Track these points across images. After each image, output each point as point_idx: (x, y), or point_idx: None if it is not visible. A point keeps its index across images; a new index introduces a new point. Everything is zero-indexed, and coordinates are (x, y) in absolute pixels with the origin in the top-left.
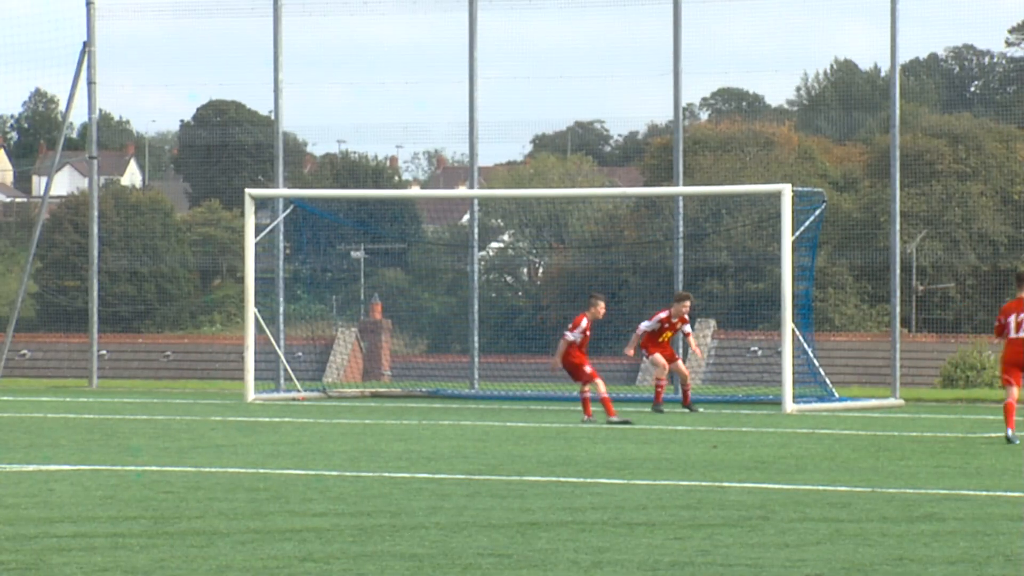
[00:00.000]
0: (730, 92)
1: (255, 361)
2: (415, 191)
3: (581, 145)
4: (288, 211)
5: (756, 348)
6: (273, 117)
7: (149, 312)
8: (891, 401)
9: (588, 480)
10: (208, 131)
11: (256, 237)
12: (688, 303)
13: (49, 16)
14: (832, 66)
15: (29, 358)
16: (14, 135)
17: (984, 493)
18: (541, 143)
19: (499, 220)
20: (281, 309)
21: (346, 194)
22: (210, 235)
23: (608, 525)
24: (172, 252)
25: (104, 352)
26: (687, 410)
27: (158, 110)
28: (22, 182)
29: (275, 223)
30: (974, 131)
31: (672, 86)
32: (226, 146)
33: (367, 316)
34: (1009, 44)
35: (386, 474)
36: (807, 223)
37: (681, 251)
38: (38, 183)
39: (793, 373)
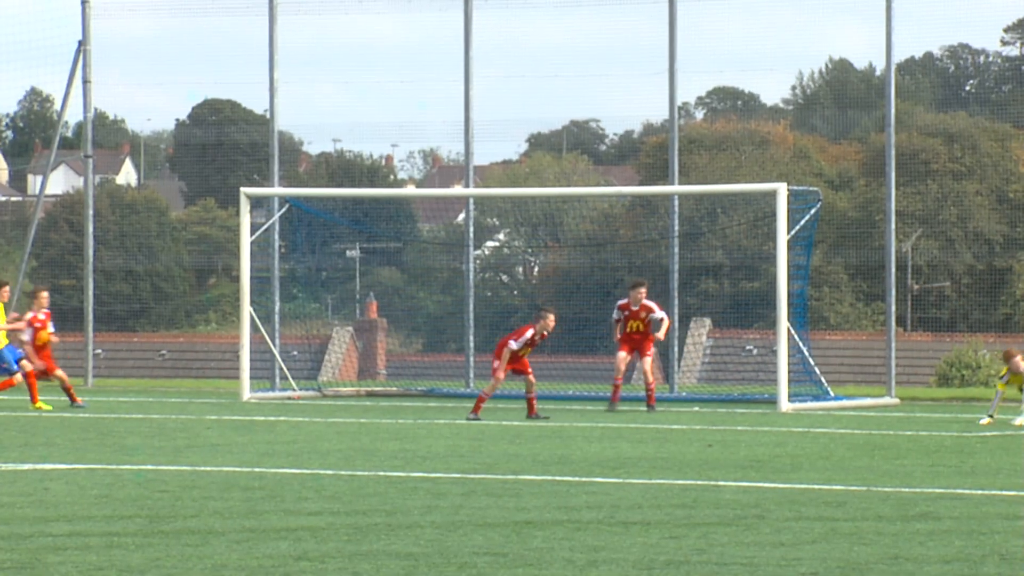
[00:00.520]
0: (725, 91)
1: (250, 360)
2: (410, 190)
3: (577, 144)
4: (283, 210)
5: (751, 347)
6: (268, 116)
7: (144, 311)
8: (886, 400)
9: (583, 479)
10: (203, 130)
11: (252, 236)
12: (643, 289)
13: (44, 15)
14: (827, 65)
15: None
16: (9, 134)
17: (979, 492)
18: (537, 142)
19: (494, 219)
20: (277, 308)
21: (342, 193)
22: (205, 234)
23: (603, 524)
24: (167, 251)
25: (99, 351)
26: (648, 409)
27: (153, 109)
28: (17, 181)
29: (270, 222)
30: (969, 130)
31: (667, 85)
32: (221, 145)
33: (363, 315)
34: (1004, 43)
35: (381, 473)
36: (802, 222)
37: (676, 250)
38: (33, 182)
39: (788, 372)
